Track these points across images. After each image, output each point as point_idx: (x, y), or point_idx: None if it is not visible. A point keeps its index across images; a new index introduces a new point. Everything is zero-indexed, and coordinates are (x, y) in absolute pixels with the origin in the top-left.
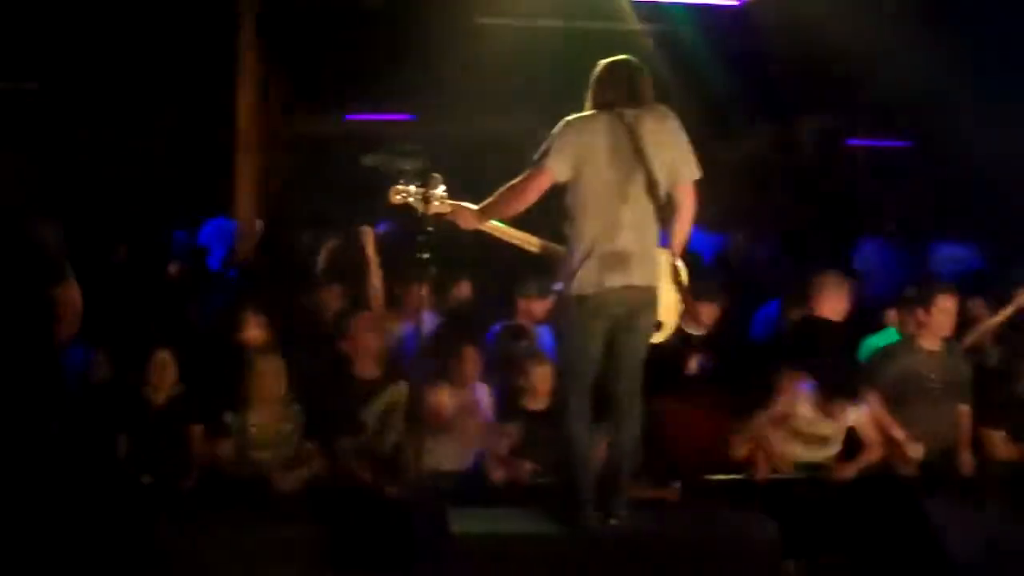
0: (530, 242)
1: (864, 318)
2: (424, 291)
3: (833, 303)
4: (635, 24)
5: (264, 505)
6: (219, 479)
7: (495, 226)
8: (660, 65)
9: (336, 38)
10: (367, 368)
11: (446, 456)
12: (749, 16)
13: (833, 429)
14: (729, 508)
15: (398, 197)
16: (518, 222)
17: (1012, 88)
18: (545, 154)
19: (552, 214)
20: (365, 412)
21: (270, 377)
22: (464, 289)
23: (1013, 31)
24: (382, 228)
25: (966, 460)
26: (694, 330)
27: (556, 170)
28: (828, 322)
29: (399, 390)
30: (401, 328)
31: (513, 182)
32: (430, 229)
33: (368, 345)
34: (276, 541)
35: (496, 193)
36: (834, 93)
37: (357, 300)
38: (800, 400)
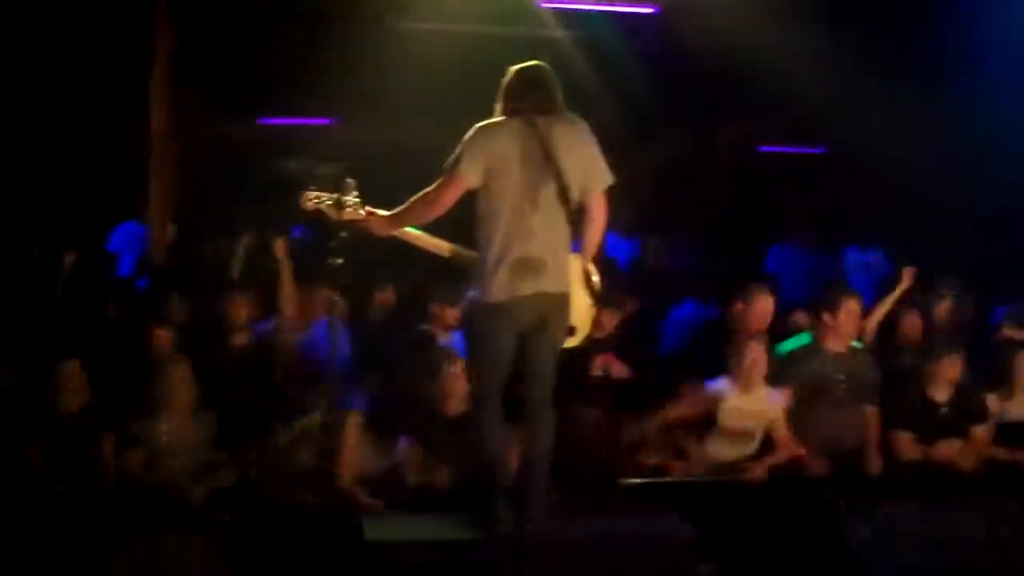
0: (441, 248)
1: (777, 322)
2: (336, 297)
3: (760, 313)
4: (554, 30)
5: (174, 514)
6: (129, 488)
7: (407, 232)
8: (578, 71)
9: (251, 41)
10: (288, 380)
11: (363, 463)
12: (665, 23)
13: (753, 422)
14: (644, 511)
15: (310, 203)
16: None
17: (918, 96)
18: (457, 161)
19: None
20: (280, 424)
21: (180, 385)
22: (388, 296)
23: (919, 39)
24: (298, 232)
25: (874, 461)
26: (597, 333)
27: (468, 177)
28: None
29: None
30: (311, 335)
31: (426, 190)
32: (343, 235)
33: (290, 357)
34: (186, 551)
35: (409, 201)
36: (749, 100)
37: (270, 307)
38: (719, 394)
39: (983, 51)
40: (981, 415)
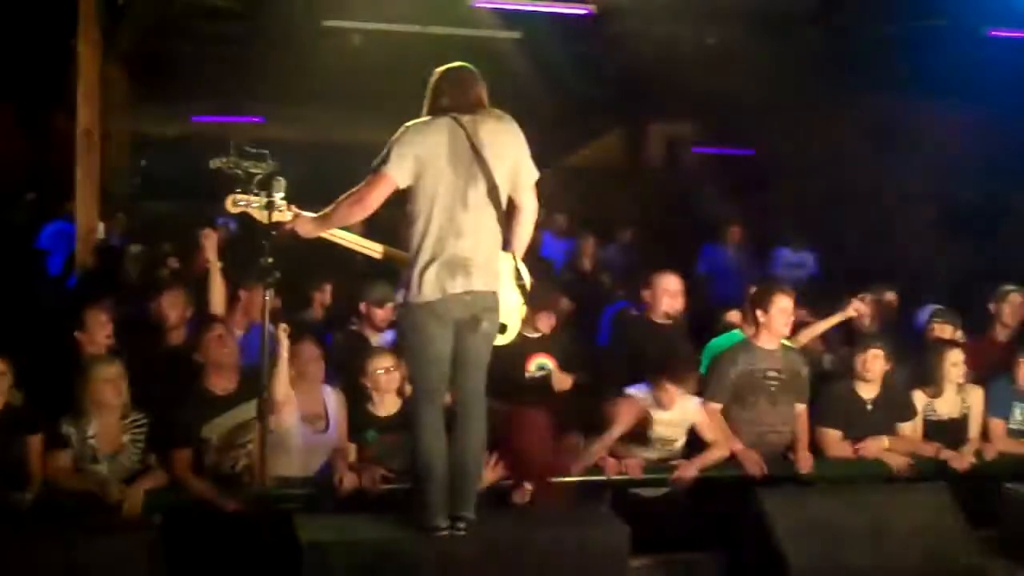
0: (373, 248)
1: (709, 321)
2: (267, 297)
3: (667, 301)
4: (489, 30)
5: (104, 516)
6: (57, 491)
7: (336, 233)
8: (513, 71)
9: (181, 38)
10: (218, 382)
11: (294, 466)
12: (599, 25)
13: (676, 430)
14: (577, 509)
15: (236, 207)
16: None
17: (848, 99)
18: (384, 160)
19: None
20: (209, 428)
21: (110, 386)
22: (325, 296)
23: (848, 43)
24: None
25: (804, 458)
26: (531, 333)
27: (396, 176)
28: (655, 324)
29: (250, 407)
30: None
31: (353, 189)
32: (273, 233)
33: (216, 357)
34: (117, 553)
35: (336, 201)
36: (683, 102)
37: (201, 306)
38: (641, 409)
39: (912, 53)
40: (908, 412)
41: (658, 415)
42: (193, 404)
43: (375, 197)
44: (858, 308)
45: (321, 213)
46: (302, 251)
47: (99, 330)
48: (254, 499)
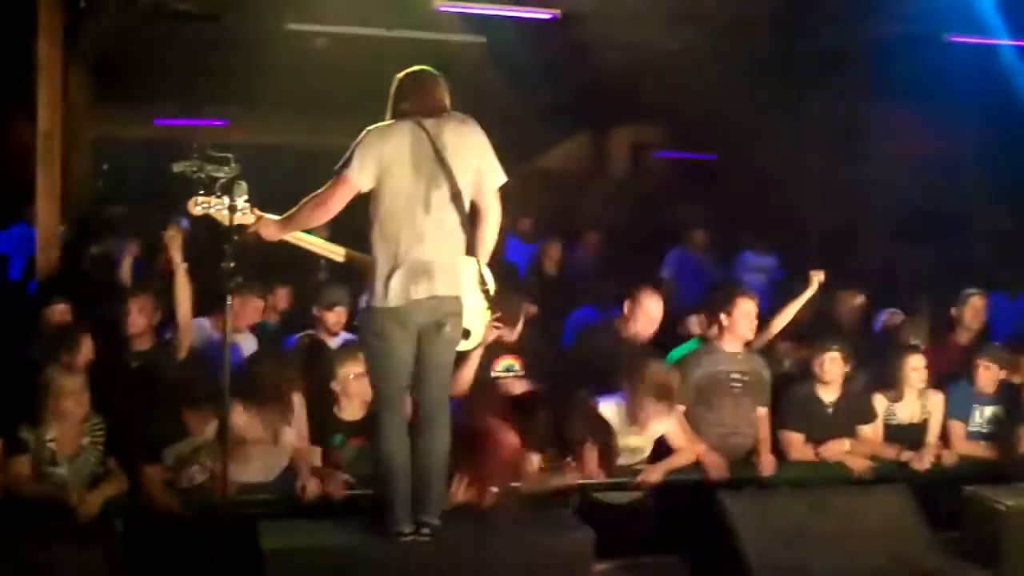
0: (335, 252)
1: (673, 325)
2: (229, 303)
3: (644, 322)
4: (453, 34)
5: (64, 523)
6: (16, 497)
7: (299, 237)
8: (477, 75)
9: (144, 41)
10: (194, 422)
11: (257, 469)
12: (563, 30)
13: (643, 440)
14: (541, 514)
15: (198, 209)
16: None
17: (811, 105)
18: (347, 164)
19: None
20: (170, 449)
21: (71, 399)
22: (282, 299)
23: (809, 47)
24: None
25: (767, 461)
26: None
27: (358, 180)
28: (627, 337)
29: (211, 427)
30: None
31: (316, 193)
32: (235, 238)
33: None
34: (75, 562)
35: (299, 204)
36: (646, 107)
37: (167, 312)
38: (609, 416)
39: (873, 58)
40: (868, 414)
41: (631, 430)
42: (162, 425)
43: (337, 200)
44: (820, 278)
45: (284, 216)
46: (258, 255)
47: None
48: (216, 506)
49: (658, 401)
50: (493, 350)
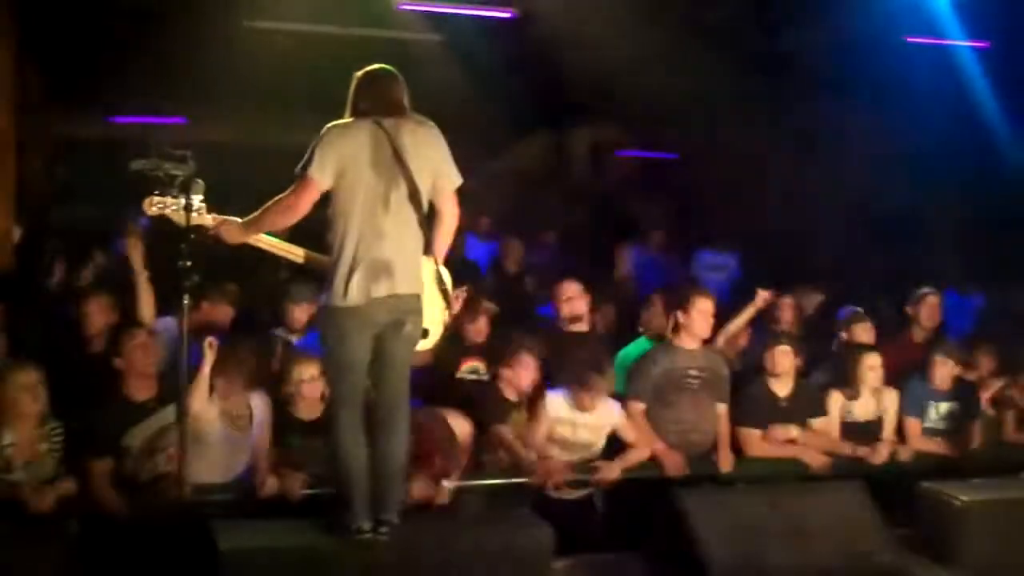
0: (294, 253)
1: (631, 324)
2: (186, 302)
3: (565, 307)
4: (412, 32)
5: (20, 525)
6: None
7: (260, 239)
8: (436, 74)
9: (99, 37)
10: (139, 389)
11: (215, 469)
12: (523, 28)
13: (596, 434)
14: (499, 512)
15: (154, 208)
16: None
17: (765, 105)
18: (308, 164)
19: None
20: (129, 435)
21: (27, 394)
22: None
23: (770, 43)
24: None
25: (725, 458)
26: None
27: (321, 179)
28: (565, 330)
29: (170, 412)
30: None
31: (280, 196)
32: (192, 236)
33: (138, 364)
34: (30, 562)
35: (263, 208)
36: (605, 106)
37: (126, 313)
38: (554, 410)
39: (832, 53)
40: (820, 407)
41: (579, 418)
42: (113, 413)
43: (303, 202)
44: (765, 298)
45: (248, 219)
46: (216, 254)
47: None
48: (172, 506)
49: (597, 375)
50: (458, 352)
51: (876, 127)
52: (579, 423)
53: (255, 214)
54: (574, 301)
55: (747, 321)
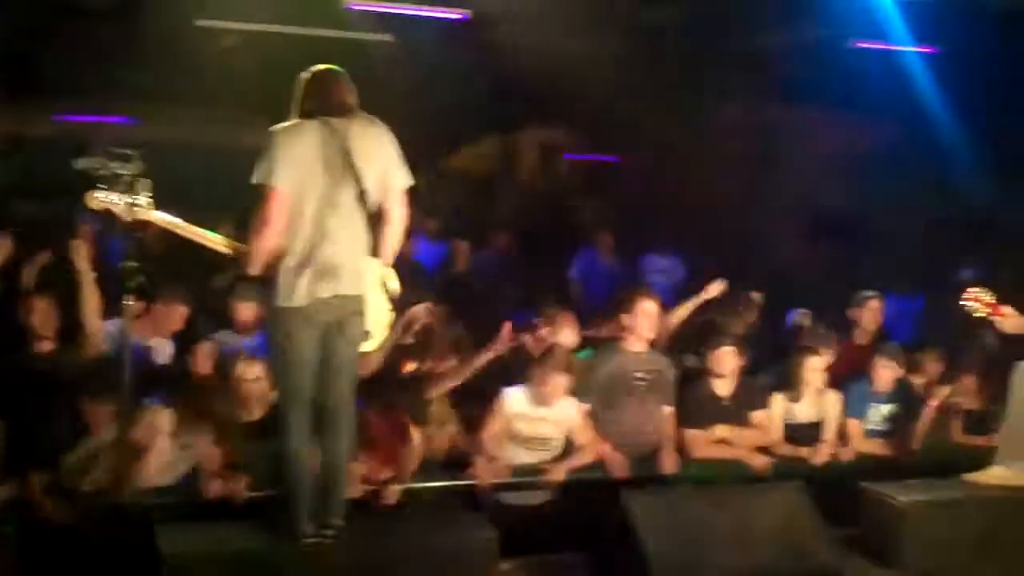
0: (220, 243)
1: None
2: (129, 303)
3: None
4: (363, 32)
5: None
6: None
7: (178, 226)
8: (387, 74)
9: (46, 35)
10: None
11: (160, 472)
12: (474, 30)
13: (555, 428)
14: (446, 513)
15: (97, 203)
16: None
17: (712, 108)
18: (269, 173)
19: None
20: (73, 451)
21: None
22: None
23: (714, 49)
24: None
25: (669, 459)
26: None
27: (284, 186)
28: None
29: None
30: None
31: (254, 219)
32: (138, 235)
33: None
34: None
35: (249, 239)
36: (554, 109)
37: (71, 316)
38: (512, 406)
39: (781, 63)
40: (760, 401)
41: (538, 413)
42: (61, 427)
43: (275, 214)
44: (717, 287)
45: (244, 253)
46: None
47: None
48: (114, 510)
49: (560, 373)
50: (403, 353)
51: (824, 131)
52: (538, 418)
53: (247, 247)
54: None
55: (693, 310)
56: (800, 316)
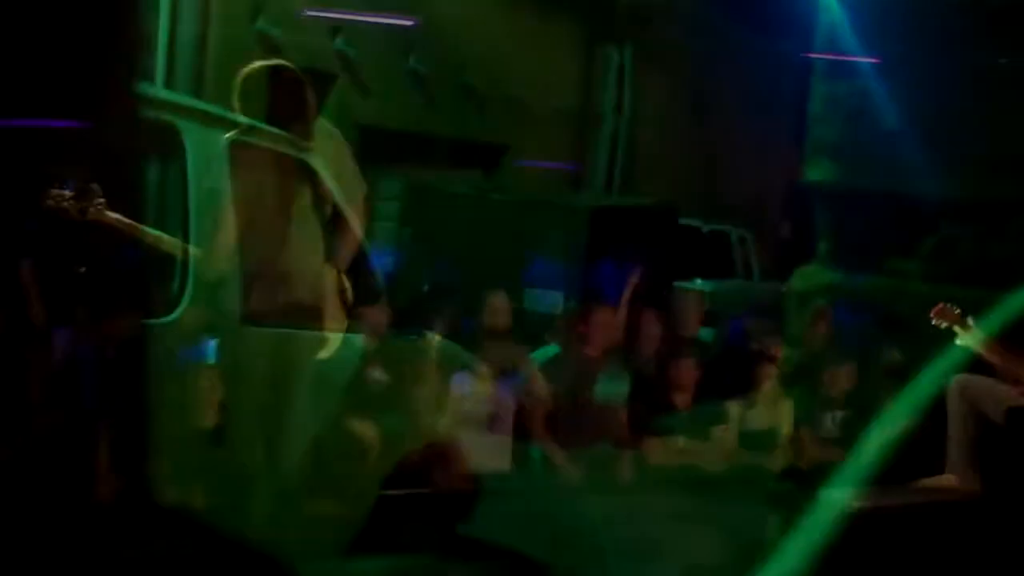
0: (160, 240)
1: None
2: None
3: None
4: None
5: None
6: None
7: (122, 221)
8: (342, 82)
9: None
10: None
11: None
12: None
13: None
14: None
15: (51, 201)
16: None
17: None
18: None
19: None
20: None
21: None
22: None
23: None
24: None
25: (625, 465)
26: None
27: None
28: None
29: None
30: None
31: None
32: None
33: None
34: None
35: None
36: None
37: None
38: (459, 386)
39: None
40: (720, 418)
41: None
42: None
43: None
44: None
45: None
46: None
47: None
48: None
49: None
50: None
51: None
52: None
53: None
54: (499, 314)
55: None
56: (750, 323)
